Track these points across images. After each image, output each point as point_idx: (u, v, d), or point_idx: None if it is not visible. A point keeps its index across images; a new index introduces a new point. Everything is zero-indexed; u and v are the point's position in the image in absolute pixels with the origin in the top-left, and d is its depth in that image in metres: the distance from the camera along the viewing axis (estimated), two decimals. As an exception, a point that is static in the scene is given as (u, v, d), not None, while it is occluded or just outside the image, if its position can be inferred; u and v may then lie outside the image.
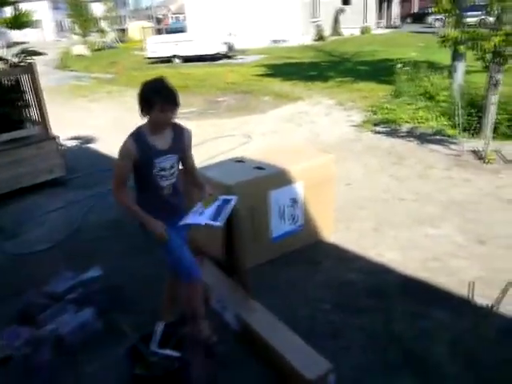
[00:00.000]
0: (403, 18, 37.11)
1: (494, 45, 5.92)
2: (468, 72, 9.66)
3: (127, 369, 2.55)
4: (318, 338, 2.93)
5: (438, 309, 3.22)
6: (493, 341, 2.88)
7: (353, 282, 3.62)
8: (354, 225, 4.56)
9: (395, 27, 33.20)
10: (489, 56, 6.17)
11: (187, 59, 20.31)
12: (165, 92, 2.45)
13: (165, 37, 20.70)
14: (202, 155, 6.21)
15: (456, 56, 8.89)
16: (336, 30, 28.21)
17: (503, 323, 3.02)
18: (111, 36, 32.60)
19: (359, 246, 4.16)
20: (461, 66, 9.09)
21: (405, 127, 7.80)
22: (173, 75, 15.93)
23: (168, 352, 2.59)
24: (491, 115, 6.47)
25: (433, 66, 10.61)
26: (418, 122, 7.51)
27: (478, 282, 3.21)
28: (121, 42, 33.07)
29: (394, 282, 3.61)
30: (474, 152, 6.38)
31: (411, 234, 4.35)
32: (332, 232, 4.31)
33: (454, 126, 6.69)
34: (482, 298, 3.12)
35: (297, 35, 24.81)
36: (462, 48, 6.58)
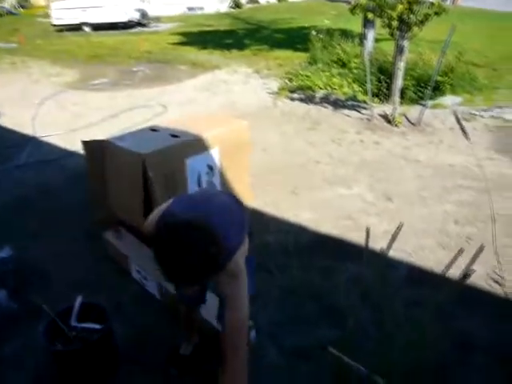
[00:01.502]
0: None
1: (399, 13, 6.22)
2: (379, 40, 10.08)
3: (47, 346, 2.47)
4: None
5: (351, 263, 3.43)
6: (397, 287, 3.13)
7: (270, 242, 3.74)
8: (271, 189, 4.68)
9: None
10: (394, 23, 6.46)
11: (98, 27, 19.17)
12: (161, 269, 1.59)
13: (71, 2, 19.29)
14: (116, 127, 6.00)
15: (366, 24, 9.23)
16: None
17: (403, 270, 3.31)
18: (10, 0, 29.84)
19: (277, 208, 4.28)
20: (371, 34, 9.45)
21: (320, 94, 8.03)
22: (82, 44, 15.05)
23: (88, 325, 2.54)
24: (398, 81, 6.82)
25: (345, 34, 10.91)
26: (332, 89, 7.75)
27: (387, 235, 3.45)
28: (22, 7, 30.40)
29: (311, 240, 3.78)
30: (384, 116, 6.73)
31: (326, 195, 4.55)
32: (251, 197, 4.39)
33: (365, 92, 6.98)
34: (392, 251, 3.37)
35: (213, 2, 24.31)
36: (370, 15, 6.82)
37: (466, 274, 1.79)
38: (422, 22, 6.24)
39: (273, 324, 2.87)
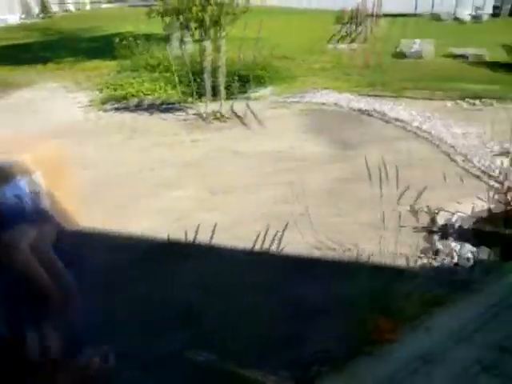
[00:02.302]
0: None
1: (196, 14, 6.46)
2: (187, 41, 10.28)
3: None
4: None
5: (193, 262, 3.50)
6: (238, 274, 3.31)
7: (107, 259, 3.60)
8: (101, 204, 4.49)
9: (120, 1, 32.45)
10: (194, 25, 6.69)
11: None
12: None
13: None
14: None
15: (170, 26, 9.33)
16: (44, 5, 25.95)
17: (240, 255, 3.51)
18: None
19: (110, 223, 4.12)
20: (176, 36, 9.60)
21: (134, 101, 7.91)
22: None
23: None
24: (211, 79, 7.10)
25: (153, 38, 10.89)
26: (145, 94, 7.73)
27: (221, 228, 3.60)
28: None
29: (148, 250, 3.74)
30: (200, 114, 6.95)
31: (158, 201, 4.54)
32: (79, 217, 4.15)
33: (182, 94, 7.12)
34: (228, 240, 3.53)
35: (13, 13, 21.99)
36: (166, 19, 6.93)
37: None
38: (221, 23, 6.59)
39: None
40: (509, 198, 3.51)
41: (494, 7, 18.30)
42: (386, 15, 18.75)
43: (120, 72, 9.45)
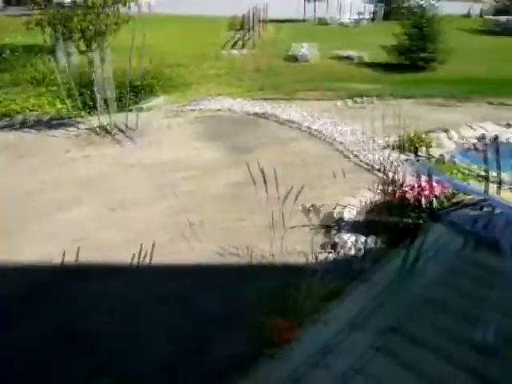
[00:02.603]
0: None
1: (78, 24, 6.18)
2: (73, 53, 9.77)
3: None
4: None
5: (102, 281, 3.34)
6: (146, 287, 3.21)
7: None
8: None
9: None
10: (77, 35, 6.40)
11: None
12: None
13: None
14: None
15: (55, 38, 8.81)
16: None
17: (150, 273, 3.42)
18: None
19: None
20: (60, 47, 9.09)
21: (18, 118, 7.37)
22: None
23: None
24: (101, 91, 6.81)
25: (35, 50, 10.22)
26: (31, 111, 7.23)
27: (127, 243, 3.47)
28: None
29: (48, 278, 3.50)
30: (93, 128, 6.66)
31: (49, 224, 4.27)
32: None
33: (72, 108, 6.76)
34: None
35: None
36: (46, 30, 6.57)
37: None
38: (104, 33, 6.36)
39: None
40: (389, 188, 3.79)
41: (371, 12, 20.28)
42: (277, 21, 19.46)
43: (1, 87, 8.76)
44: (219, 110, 7.51)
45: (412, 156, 5.58)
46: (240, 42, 13.95)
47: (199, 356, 2.63)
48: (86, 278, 3.42)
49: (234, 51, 12.92)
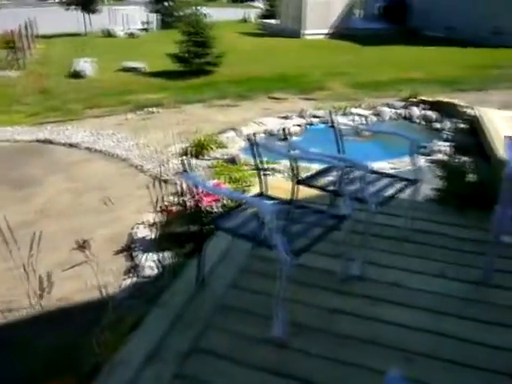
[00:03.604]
0: None
1: None
2: None
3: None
4: None
5: None
6: None
7: None
8: None
9: None
10: None
11: None
12: None
13: None
14: None
15: None
16: None
17: None
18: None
19: None
20: None
21: None
22: None
23: None
24: None
25: None
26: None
27: None
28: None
29: None
30: None
31: None
32: None
33: None
34: None
35: None
36: None
37: None
38: None
39: None
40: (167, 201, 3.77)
41: (143, 23, 21.01)
42: (58, 35, 18.16)
43: None
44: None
45: (187, 163, 5.67)
46: (14, 63, 12.54)
47: None
48: None
49: (8, 72, 11.59)
